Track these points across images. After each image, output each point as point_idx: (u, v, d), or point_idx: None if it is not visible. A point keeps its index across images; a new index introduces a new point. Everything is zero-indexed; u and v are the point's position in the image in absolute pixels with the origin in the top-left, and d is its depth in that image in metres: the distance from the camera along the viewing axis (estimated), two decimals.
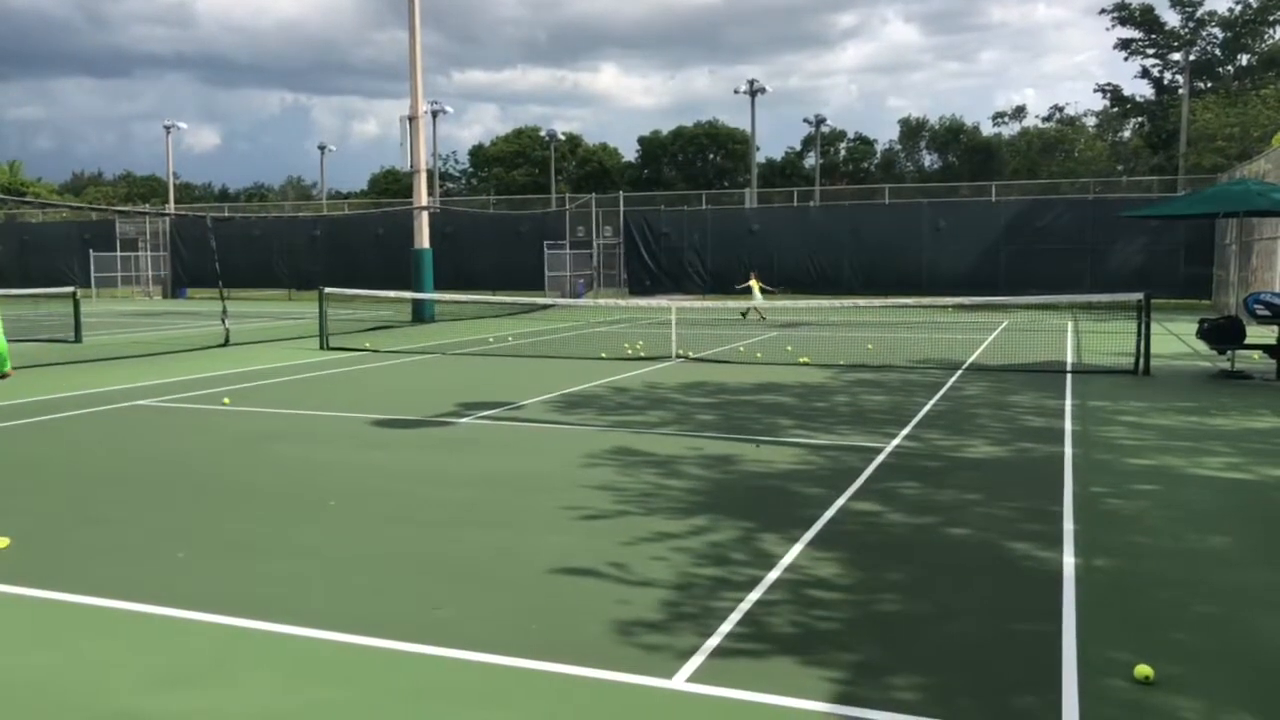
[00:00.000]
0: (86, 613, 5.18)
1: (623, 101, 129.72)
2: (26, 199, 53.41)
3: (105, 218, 47.73)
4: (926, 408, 11.58)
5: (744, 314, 27.69)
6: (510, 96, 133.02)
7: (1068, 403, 11.89)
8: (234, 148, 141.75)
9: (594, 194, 43.76)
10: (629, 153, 79.29)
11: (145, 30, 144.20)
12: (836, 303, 25.45)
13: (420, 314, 27.21)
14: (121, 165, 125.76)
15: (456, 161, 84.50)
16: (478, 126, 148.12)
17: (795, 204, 44.73)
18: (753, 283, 27.57)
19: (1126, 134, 65.14)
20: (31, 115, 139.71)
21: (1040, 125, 68.75)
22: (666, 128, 77.73)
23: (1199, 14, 53.87)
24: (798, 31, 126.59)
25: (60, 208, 50.70)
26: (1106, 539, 6.32)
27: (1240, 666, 4.43)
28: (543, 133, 72.58)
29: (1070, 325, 24.18)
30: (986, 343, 19.83)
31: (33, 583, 5.58)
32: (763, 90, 50.18)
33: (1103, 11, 55.01)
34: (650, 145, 77.22)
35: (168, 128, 56.04)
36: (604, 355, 17.55)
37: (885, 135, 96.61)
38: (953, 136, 72.00)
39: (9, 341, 6.38)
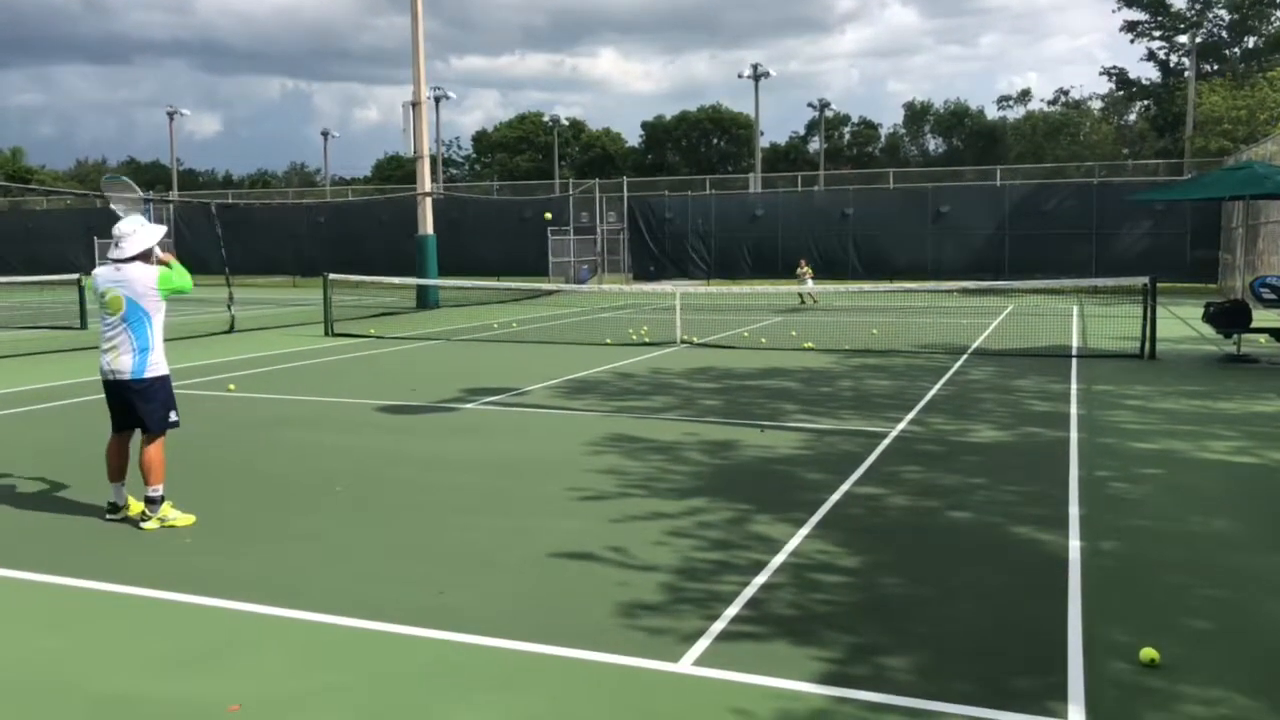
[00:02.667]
0: (91, 597, 5.20)
1: (623, 86, 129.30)
2: (31, 186, 53.41)
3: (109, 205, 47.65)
4: (931, 392, 11.57)
5: (802, 300, 27.37)
6: (509, 82, 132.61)
7: (1073, 387, 11.87)
8: (235, 134, 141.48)
9: (598, 179, 43.65)
10: (632, 138, 79.20)
11: (143, 16, 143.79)
12: (841, 287, 25.47)
13: (424, 300, 27.19)
14: (124, 152, 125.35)
15: (460, 147, 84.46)
16: (479, 112, 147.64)
17: (799, 188, 44.57)
18: (804, 269, 27.30)
19: (1132, 117, 64.86)
20: (32, 102, 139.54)
21: (1045, 109, 68.51)
22: (667, 112, 77.64)
23: None
24: (796, 15, 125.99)
25: (65, 194, 50.72)
26: (1111, 523, 6.32)
27: (1245, 649, 4.43)
28: (546, 118, 72.43)
29: (1075, 309, 24.13)
30: (991, 327, 19.80)
31: (38, 567, 5.61)
32: (766, 74, 50.01)
33: None
34: (654, 130, 77.02)
35: (171, 114, 56.05)
36: (608, 341, 17.54)
37: (887, 119, 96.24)
38: (957, 120, 71.73)
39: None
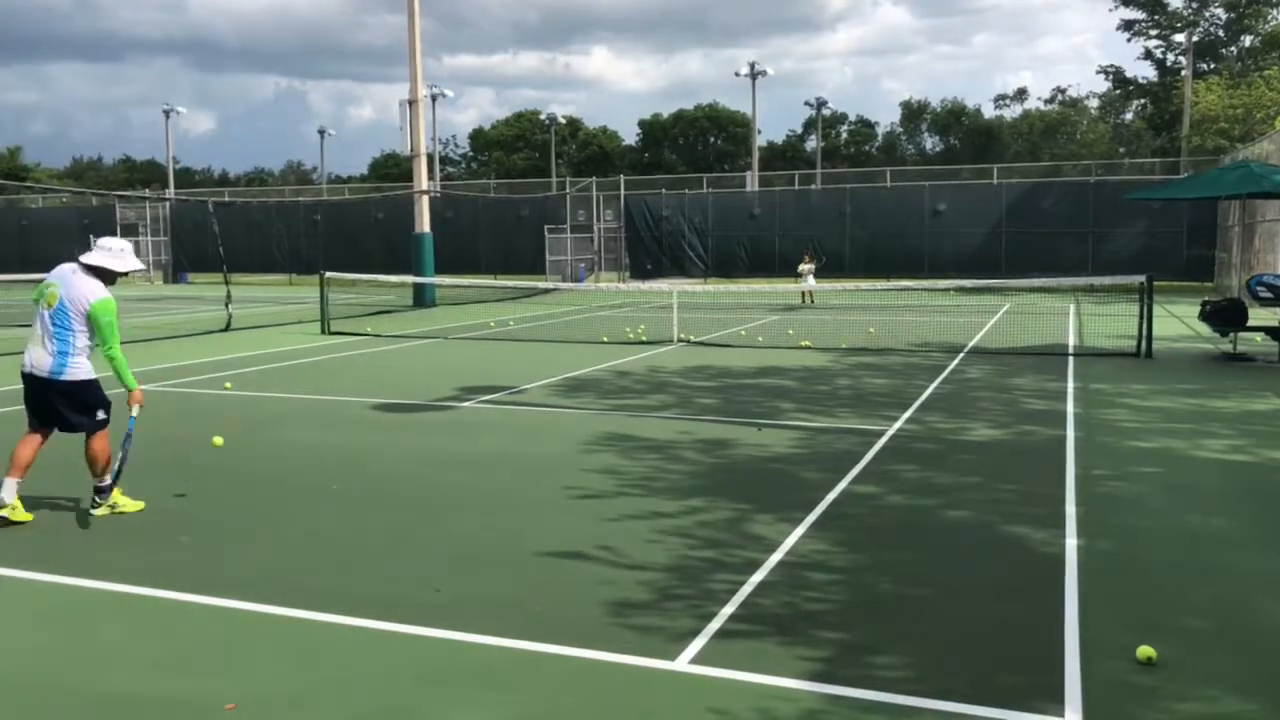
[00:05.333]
0: (89, 596, 5.19)
1: (616, 85, 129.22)
2: (27, 184, 53.32)
3: (105, 203, 47.62)
4: (928, 391, 11.58)
5: (803, 300, 27.22)
6: (502, 80, 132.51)
7: (1069, 385, 11.88)
8: (230, 132, 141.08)
9: (595, 178, 43.64)
10: (628, 136, 79.14)
11: (134, 14, 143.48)
12: (838, 286, 25.46)
13: (421, 298, 27.17)
14: (119, 150, 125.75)
15: (456, 145, 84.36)
16: (473, 111, 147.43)
17: (796, 187, 44.57)
18: (807, 264, 27.04)
19: (1129, 116, 64.88)
20: (26, 100, 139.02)
21: (1042, 108, 68.54)
22: (661, 111, 77.64)
23: None
24: (788, 14, 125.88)
25: (60, 192, 50.61)
26: (1108, 521, 6.33)
27: (1242, 648, 4.44)
28: (542, 116, 72.37)
29: (1072, 308, 24.15)
30: (988, 326, 19.81)
31: (35, 566, 5.59)
32: (763, 73, 49.97)
33: None
34: (651, 128, 76.98)
35: (167, 112, 55.92)
36: (605, 339, 17.54)
37: (882, 118, 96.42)
38: (954, 119, 71.74)
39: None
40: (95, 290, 6.39)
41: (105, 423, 6.56)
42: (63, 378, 6.35)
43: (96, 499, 6.53)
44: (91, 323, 6.35)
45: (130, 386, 6.55)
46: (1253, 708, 3.86)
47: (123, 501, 6.58)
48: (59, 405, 6.42)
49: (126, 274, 6.66)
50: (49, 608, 5.09)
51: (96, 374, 6.56)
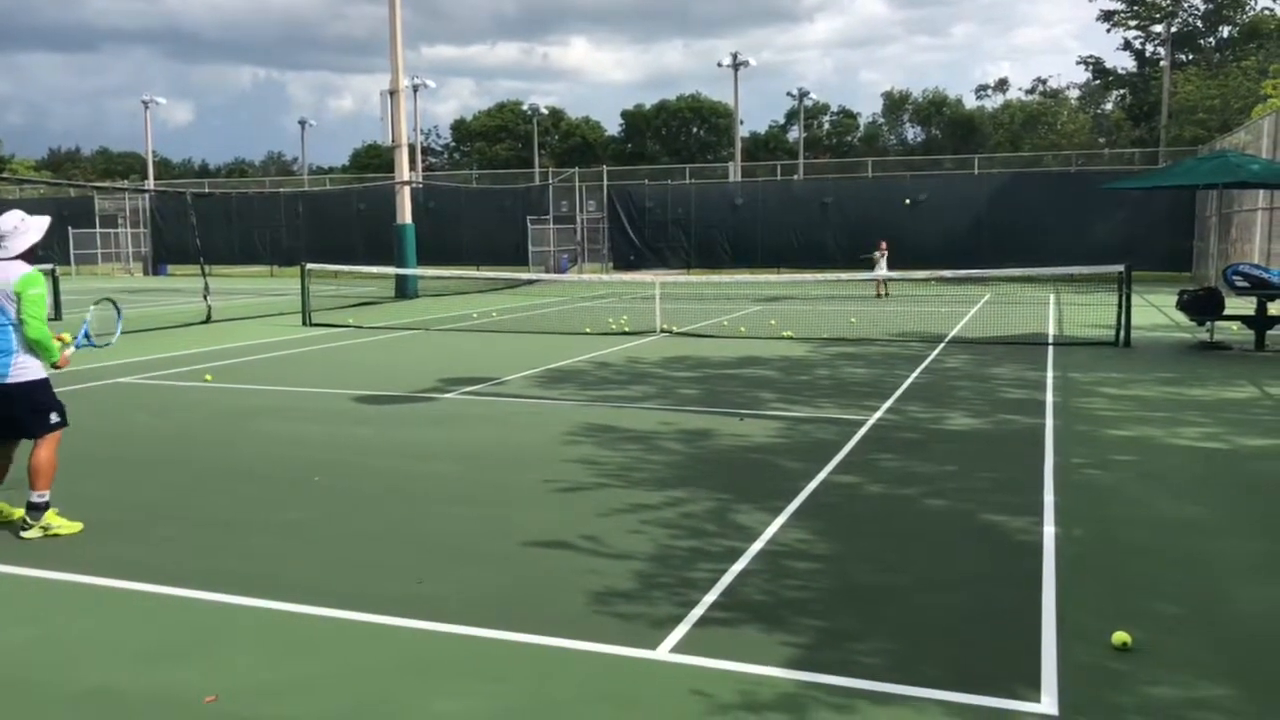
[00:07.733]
0: (67, 589, 5.17)
1: (596, 75, 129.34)
2: (4, 175, 52.83)
3: (84, 194, 47.17)
4: (908, 381, 11.64)
5: (882, 293, 26.51)
6: (481, 71, 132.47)
7: (1049, 375, 11.96)
8: (209, 124, 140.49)
9: (577, 168, 43.56)
10: (611, 127, 79.01)
11: (109, 3, 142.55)
12: (819, 276, 25.47)
13: (403, 290, 27.07)
14: (96, 141, 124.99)
15: (439, 136, 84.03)
16: (454, 101, 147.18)
17: (779, 178, 44.63)
18: (879, 253, 26.16)
19: (1108, 106, 65.24)
20: (0, 90, 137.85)
21: (1023, 98, 68.81)
22: (643, 101, 77.65)
23: None
24: (766, 5, 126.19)
25: (38, 184, 50.15)
26: (1085, 509, 6.39)
27: (1217, 633, 4.49)
28: (525, 107, 72.16)
29: (1052, 298, 24.30)
30: (968, 316, 19.91)
31: (12, 560, 5.57)
32: (745, 64, 49.97)
33: None
34: (633, 119, 76.85)
35: (146, 103, 55.43)
36: (587, 330, 17.53)
37: (863, 108, 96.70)
38: (935, 110, 71.92)
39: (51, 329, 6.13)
40: (19, 269, 5.93)
41: (59, 425, 6.10)
42: (8, 380, 5.92)
43: (27, 519, 5.96)
44: (20, 301, 5.85)
45: (54, 358, 6.07)
46: (1226, 692, 3.92)
47: (58, 523, 6.01)
48: (13, 411, 5.96)
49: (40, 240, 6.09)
50: (26, 601, 5.07)
51: (45, 375, 6.10)
